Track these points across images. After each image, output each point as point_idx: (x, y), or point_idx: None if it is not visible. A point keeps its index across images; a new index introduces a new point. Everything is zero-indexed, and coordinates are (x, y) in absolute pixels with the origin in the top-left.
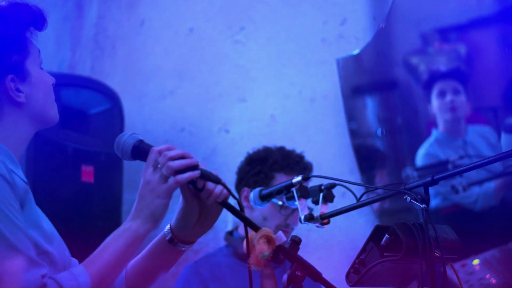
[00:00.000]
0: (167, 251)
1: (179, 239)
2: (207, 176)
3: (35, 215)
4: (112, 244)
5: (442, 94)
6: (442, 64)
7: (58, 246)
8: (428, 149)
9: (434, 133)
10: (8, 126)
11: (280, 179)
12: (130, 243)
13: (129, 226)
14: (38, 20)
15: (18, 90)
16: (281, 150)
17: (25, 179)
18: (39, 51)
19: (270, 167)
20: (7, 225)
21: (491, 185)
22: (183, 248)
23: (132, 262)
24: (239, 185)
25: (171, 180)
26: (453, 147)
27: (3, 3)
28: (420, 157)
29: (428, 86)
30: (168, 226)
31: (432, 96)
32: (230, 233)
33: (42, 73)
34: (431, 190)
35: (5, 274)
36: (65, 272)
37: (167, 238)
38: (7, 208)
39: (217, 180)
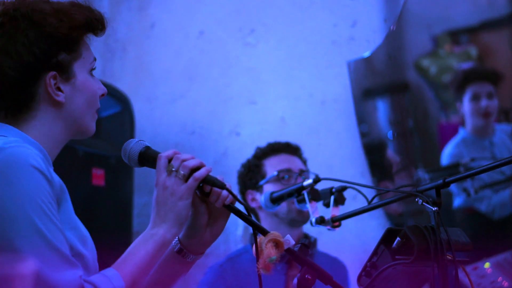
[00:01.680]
0: (176, 263)
1: (188, 249)
2: (212, 182)
3: (71, 215)
4: (141, 249)
5: (476, 98)
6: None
7: (91, 250)
8: (454, 150)
9: (461, 133)
10: (44, 125)
11: (269, 163)
12: (158, 249)
13: (156, 231)
14: (96, 25)
15: (58, 90)
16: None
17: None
18: (94, 59)
19: (257, 158)
20: (47, 224)
21: (506, 193)
22: (191, 259)
23: (149, 275)
24: (242, 190)
25: (190, 180)
26: (479, 148)
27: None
28: (445, 157)
29: (460, 86)
30: (176, 237)
31: (464, 97)
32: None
33: (90, 80)
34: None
35: (43, 273)
36: (99, 274)
37: (176, 249)
38: (46, 207)
39: (221, 186)
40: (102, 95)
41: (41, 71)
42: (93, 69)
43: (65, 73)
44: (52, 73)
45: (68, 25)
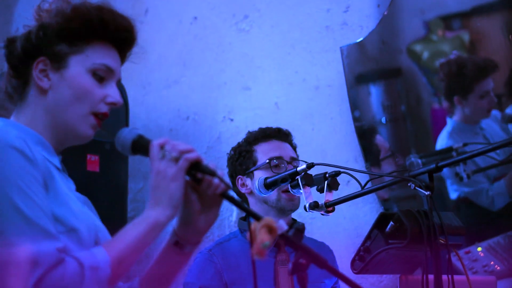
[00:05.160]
0: (175, 255)
1: (184, 239)
2: (203, 169)
3: (60, 192)
4: (132, 229)
5: (484, 96)
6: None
7: (86, 225)
8: (448, 141)
9: (451, 122)
10: (34, 112)
11: (261, 149)
12: (150, 230)
13: (149, 214)
14: (97, 27)
15: (45, 76)
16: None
17: (58, 165)
18: (106, 66)
19: (248, 144)
20: (23, 199)
21: (502, 182)
22: (189, 250)
23: (146, 269)
24: (232, 175)
25: (180, 161)
26: (471, 133)
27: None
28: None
29: (468, 85)
30: (172, 230)
31: (470, 95)
32: (244, 219)
33: (86, 78)
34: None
35: (19, 246)
36: (85, 251)
37: (173, 241)
38: (24, 183)
39: (212, 173)
40: (112, 103)
41: (34, 56)
42: (96, 72)
43: (58, 62)
44: (41, 58)
45: (67, 18)
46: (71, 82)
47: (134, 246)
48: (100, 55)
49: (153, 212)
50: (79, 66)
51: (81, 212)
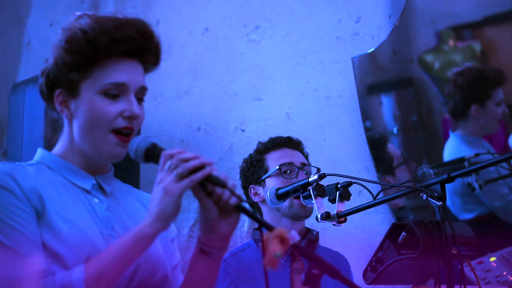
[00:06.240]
0: (203, 262)
1: (209, 246)
2: (214, 181)
3: (53, 219)
4: (118, 243)
5: (499, 104)
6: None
7: (74, 248)
8: (458, 149)
9: (457, 134)
10: (65, 138)
11: (271, 158)
12: (134, 243)
13: (138, 227)
14: (104, 53)
15: (66, 106)
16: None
17: (89, 187)
18: (116, 83)
19: (259, 153)
20: (5, 231)
21: None
22: (216, 255)
23: (183, 280)
24: (245, 185)
25: (185, 179)
26: (480, 147)
27: (93, 18)
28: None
29: (487, 89)
30: (197, 238)
31: (488, 101)
32: (258, 228)
33: (96, 100)
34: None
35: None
36: (64, 271)
37: (198, 249)
38: (5, 215)
39: (223, 185)
40: (128, 117)
41: (54, 89)
42: (108, 92)
43: (72, 91)
44: (58, 90)
45: (62, 53)
46: (84, 108)
47: (116, 260)
48: (107, 74)
49: (142, 224)
50: (89, 91)
51: (77, 236)
